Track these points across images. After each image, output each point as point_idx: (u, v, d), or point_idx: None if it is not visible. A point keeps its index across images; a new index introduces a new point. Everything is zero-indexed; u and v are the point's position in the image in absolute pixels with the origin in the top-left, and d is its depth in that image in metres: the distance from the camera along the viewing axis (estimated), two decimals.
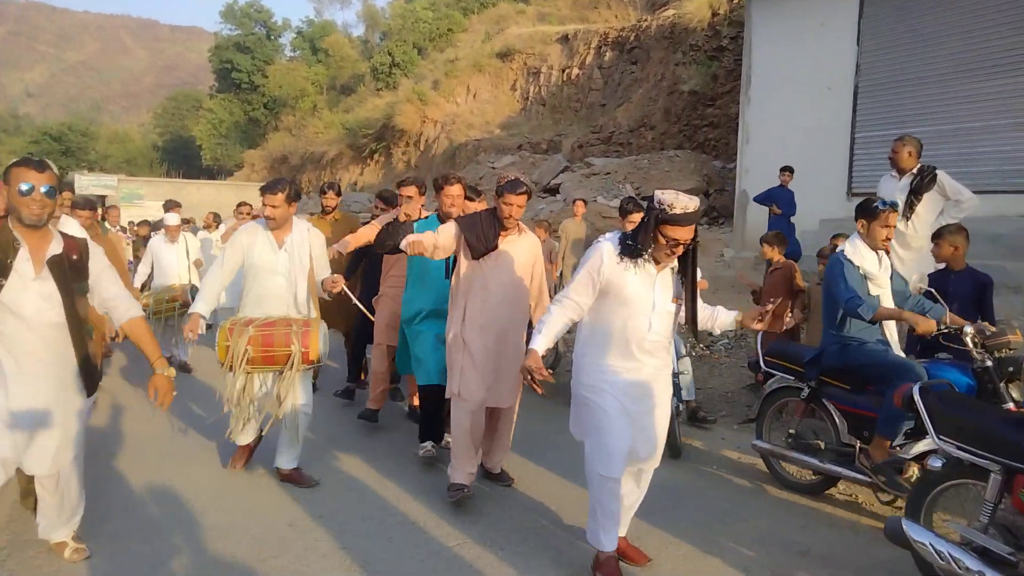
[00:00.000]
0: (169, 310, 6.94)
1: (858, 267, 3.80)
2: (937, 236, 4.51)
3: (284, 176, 33.03)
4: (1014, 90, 7.24)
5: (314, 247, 4.10)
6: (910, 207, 4.85)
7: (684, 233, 2.72)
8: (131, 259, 9.42)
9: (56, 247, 2.79)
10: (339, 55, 38.01)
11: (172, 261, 7.26)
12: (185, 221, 8.23)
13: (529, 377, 2.84)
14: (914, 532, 2.74)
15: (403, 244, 3.65)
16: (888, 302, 3.83)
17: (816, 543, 3.42)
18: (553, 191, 15.55)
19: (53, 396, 2.82)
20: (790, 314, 5.56)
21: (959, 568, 2.60)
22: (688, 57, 17.46)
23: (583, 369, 3.02)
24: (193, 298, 6.41)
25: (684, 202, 2.69)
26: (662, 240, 2.74)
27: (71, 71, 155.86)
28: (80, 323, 2.84)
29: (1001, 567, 2.56)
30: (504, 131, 23.04)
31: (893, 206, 3.86)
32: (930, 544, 2.68)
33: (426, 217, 4.43)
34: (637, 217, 4.33)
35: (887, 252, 3.97)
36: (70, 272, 2.81)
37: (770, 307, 3.06)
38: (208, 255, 7.97)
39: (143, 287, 7.28)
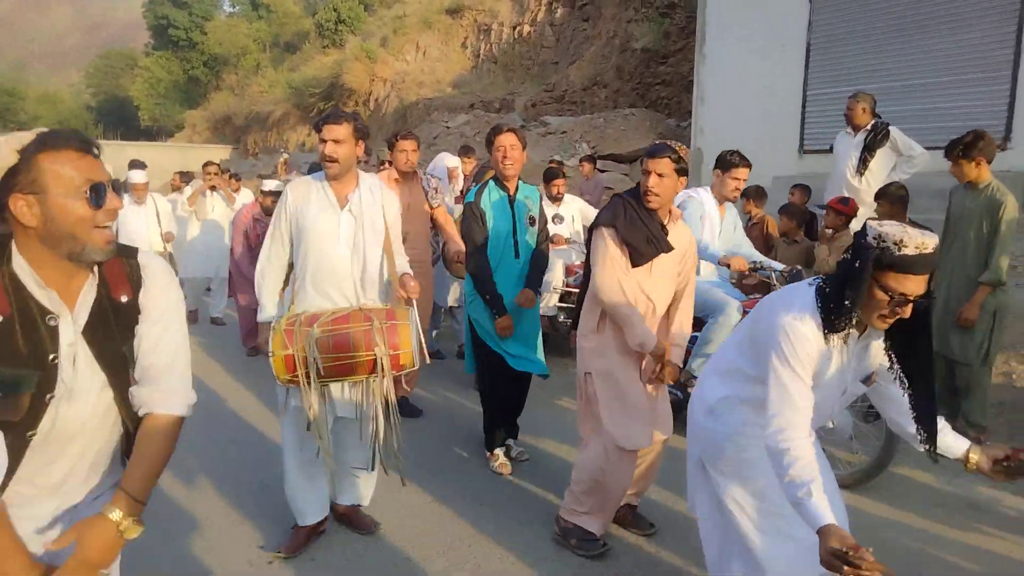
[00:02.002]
0: None
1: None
2: (879, 196, 4.72)
3: (229, 137, 31.86)
4: (966, 45, 7.47)
5: (388, 212, 3.06)
6: (863, 163, 5.06)
7: (916, 285, 1.82)
8: None
9: (91, 290, 1.52)
10: (281, 11, 36.67)
11: (140, 227, 6.50)
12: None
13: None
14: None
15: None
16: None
17: None
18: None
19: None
20: None
21: None
22: (640, 14, 17.42)
23: (752, 475, 2.12)
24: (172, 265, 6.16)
25: (919, 239, 1.79)
26: (880, 295, 1.84)
27: None
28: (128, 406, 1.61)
29: None
30: (456, 89, 22.73)
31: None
32: None
33: (482, 185, 3.90)
34: (744, 173, 4.14)
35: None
36: (113, 328, 1.54)
37: None
38: (176, 216, 7.66)
39: None
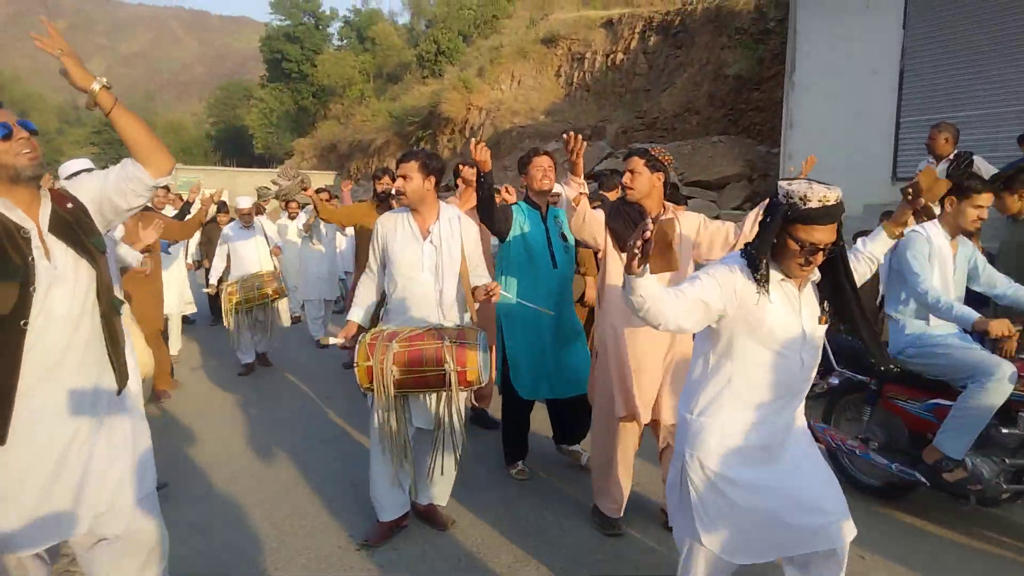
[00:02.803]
0: (260, 299, 6.54)
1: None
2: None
3: (335, 163, 33.51)
4: None
5: (466, 239, 3.38)
6: None
7: (823, 235, 2.03)
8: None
9: (46, 205, 2.05)
10: (385, 44, 38.49)
11: (250, 249, 6.80)
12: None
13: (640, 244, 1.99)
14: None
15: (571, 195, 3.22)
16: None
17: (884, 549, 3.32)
18: (596, 178, 15.74)
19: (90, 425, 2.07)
20: None
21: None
22: (734, 41, 17.42)
23: (709, 437, 2.25)
24: (285, 284, 6.69)
25: (821, 192, 2.01)
26: (793, 246, 2.07)
27: (125, 62, 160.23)
28: (110, 298, 2.13)
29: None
30: (548, 117, 23.21)
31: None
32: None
33: (515, 203, 4.20)
34: (988, 199, 3.50)
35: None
36: (76, 228, 2.06)
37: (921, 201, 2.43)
38: (286, 241, 8.16)
39: (219, 280, 6.89)
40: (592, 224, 3.30)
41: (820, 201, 2.00)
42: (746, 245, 2.19)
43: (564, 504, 3.83)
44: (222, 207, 9.13)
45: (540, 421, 4.48)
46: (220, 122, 52.14)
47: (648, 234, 1.82)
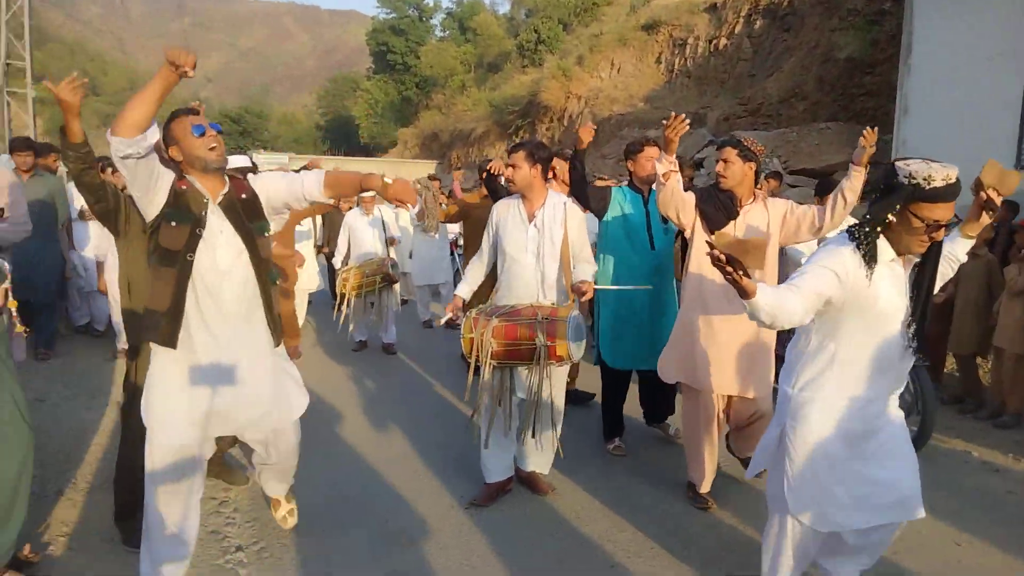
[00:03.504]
0: (371, 284, 6.87)
1: None
2: None
3: (436, 152, 34.41)
4: None
5: (570, 225, 3.62)
6: None
7: (946, 211, 2.14)
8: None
9: (223, 189, 2.64)
10: (487, 34, 39.07)
11: (368, 235, 7.31)
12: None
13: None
14: None
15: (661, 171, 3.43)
16: None
17: None
18: (698, 165, 15.57)
19: (249, 357, 2.68)
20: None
21: None
22: (846, 23, 16.70)
23: (811, 412, 2.38)
24: (394, 270, 6.97)
25: (943, 172, 2.11)
26: (917, 224, 2.15)
27: (242, 57, 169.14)
28: (265, 269, 2.69)
29: None
30: (648, 104, 23.02)
31: None
32: None
33: (619, 185, 4.47)
34: None
35: None
36: (245, 213, 2.65)
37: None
38: (401, 227, 8.46)
39: (343, 261, 7.33)
40: (679, 201, 3.47)
41: (944, 180, 2.10)
42: (857, 226, 2.26)
43: (658, 477, 4.04)
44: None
45: (630, 400, 4.67)
46: (329, 113, 54.46)
47: (719, 259, 2.00)
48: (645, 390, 4.61)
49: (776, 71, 19.05)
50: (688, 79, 23.33)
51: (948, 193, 2.11)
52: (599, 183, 4.83)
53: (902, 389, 2.45)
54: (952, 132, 8.38)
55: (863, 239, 2.22)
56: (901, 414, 2.46)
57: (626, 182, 4.41)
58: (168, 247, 2.51)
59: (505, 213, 3.69)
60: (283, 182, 2.74)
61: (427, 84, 39.96)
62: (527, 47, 33.06)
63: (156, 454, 2.60)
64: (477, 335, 3.34)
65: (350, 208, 7.55)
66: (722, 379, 3.48)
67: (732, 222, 3.50)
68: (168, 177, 2.55)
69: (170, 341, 2.55)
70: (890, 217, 2.19)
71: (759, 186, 5.24)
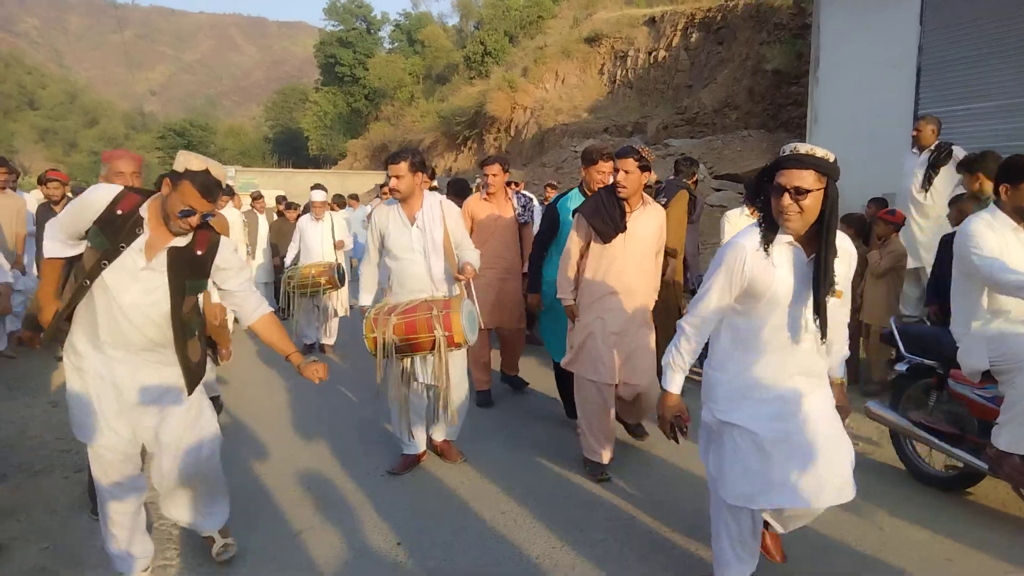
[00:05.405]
0: (315, 285, 7.10)
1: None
2: (952, 203, 5.08)
3: (384, 164, 34.90)
4: None
5: (449, 221, 3.95)
6: (928, 180, 5.41)
7: (796, 178, 2.27)
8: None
9: (182, 240, 2.61)
10: (435, 46, 39.46)
11: (316, 240, 7.49)
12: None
13: (671, 428, 2.65)
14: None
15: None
16: None
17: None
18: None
19: (154, 386, 2.71)
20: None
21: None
22: (773, 36, 17.62)
23: (717, 387, 2.58)
24: (339, 276, 7.16)
25: (803, 146, 2.31)
26: (776, 191, 2.32)
27: (188, 69, 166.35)
28: (182, 323, 2.67)
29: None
30: (591, 115, 23.67)
31: None
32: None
33: (567, 192, 4.67)
34: None
35: None
36: (187, 268, 2.63)
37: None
38: (352, 233, 8.62)
39: (293, 263, 7.56)
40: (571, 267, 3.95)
41: (791, 150, 2.30)
42: (759, 210, 2.45)
43: (560, 452, 4.43)
44: (290, 205, 10.03)
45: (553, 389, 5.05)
46: (277, 125, 54.12)
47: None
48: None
49: (711, 82, 19.87)
50: (629, 90, 24.07)
51: (791, 159, 2.28)
52: (549, 193, 5.05)
53: (824, 378, 2.52)
54: (855, 139, 9.06)
55: (760, 221, 2.43)
56: (826, 403, 2.50)
57: (577, 186, 4.64)
58: (84, 265, 2.59)
59: (385, 219, 3.96)
60: (236, 285, 2.81)
61: (376, 96, 40.13)
62: (474, 59, 33.55)
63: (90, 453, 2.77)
64: (380, 333, 3.62)
65: (298, 216, 7.75)
66: (616, 371, 3.83)
67: (621, 234, 3.77)
68: (103, 199, 2.57)
69: (56, 338, 2.73)
70: (769, 191, 2.35)
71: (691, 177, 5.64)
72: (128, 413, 2.69)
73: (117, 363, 2.65)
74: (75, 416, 2.73)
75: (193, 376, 2.79)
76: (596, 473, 3.97)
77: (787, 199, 2.29)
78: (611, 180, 4.06)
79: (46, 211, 6.56)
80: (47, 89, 73.09)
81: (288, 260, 7.81)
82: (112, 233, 2.54)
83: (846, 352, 2.65)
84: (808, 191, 2.27)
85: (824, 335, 2.38)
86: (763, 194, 2.40)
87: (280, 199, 11.62)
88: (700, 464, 2.87)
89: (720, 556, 2.67)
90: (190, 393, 2.79)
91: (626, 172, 3.67)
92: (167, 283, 2.59)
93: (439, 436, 4.23)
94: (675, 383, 2.60)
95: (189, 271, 2.64)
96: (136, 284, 2.56)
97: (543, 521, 3.49)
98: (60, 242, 2.67)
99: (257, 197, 9.99)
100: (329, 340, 7.64)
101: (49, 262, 2.73)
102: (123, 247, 2.53)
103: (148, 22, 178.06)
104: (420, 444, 4.13)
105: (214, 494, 3.00)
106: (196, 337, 2.81)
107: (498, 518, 3.54)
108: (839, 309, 2.49)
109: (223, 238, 2.77)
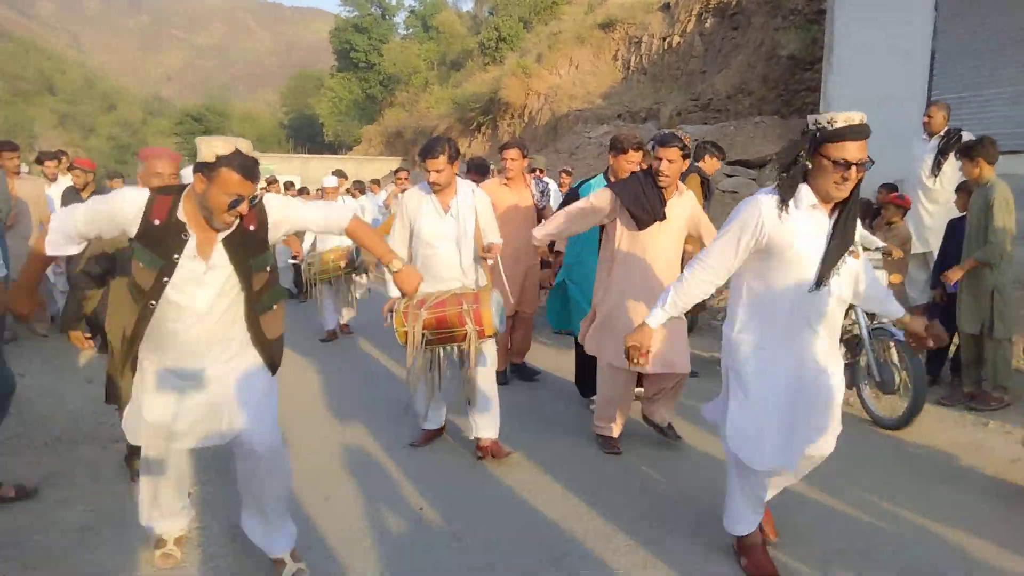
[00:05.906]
0: (336, 270, 7.23)
1: None
2: (959, 189, 5.18)
3: (400, 149, 34.61)
4: None
5: (480, 209, 3.92)
6: (938, 165, 5.51)
7: (854, 151, 2.26)
8: None
9: (228, 230, 2.44)
10: (449, 32, 39.39)
11: None
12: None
13: (629, 356, 2.71)
14: None
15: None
16: None
17: None
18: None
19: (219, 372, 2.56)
20: None
21: None
22: (788, 22, 17.55)
23: (742, 347, 2.61)
24: (357, 258, 7.26)
25: (845, 114, 2.29)
26: (827, 165, 2.30)
27: (202, 55, 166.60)
28: (257, 301, 2.57)
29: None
30: (605, 101, 23.67)
31: None
32: None
33: (591, 179, 4.74)
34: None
35: None
36: (245, 252, 2.47)
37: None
38: (369, 219, 8.94)
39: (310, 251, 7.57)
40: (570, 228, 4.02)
41: (845, 121, 2.28)
42: (780, 172, 2.65)
43: (573, 428, 4.62)
44: (303, 191, 10.25)
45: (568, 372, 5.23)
46: (292, 111, 54.23)
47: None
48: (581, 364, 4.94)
49: (725, 68, 19.82)
50: (643, 76, 24.02)
51: (850, 132, 2.26)
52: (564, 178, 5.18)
53: (837, 337, 2.60)
54: (869, 122, 9.10)
55: (780, 182, 2.44)
56: (836, 364, 2.60)
57: (602, 172, 4.69)
58: (139, 284, 2.43)
59: (417, 205, 3.89)
60: (310, 215, 2.68)
61: (390, 82, 40.15)
62: (488, 45, 33.48)
63: (141, 433, 2.66)
64: (410, 327, 3.69)
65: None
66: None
67: (658, 223, 3.75)
68: (133, 208, 2.39)
69: (127, 355, 2.57)
70: (805, 160, 2.36)
71: (703, 160, 5.78)
72: (209, 416, 2.58)
73: (191, 370, 2.53)
74: (135, 399, 2.65)
75: (272, 356, 2.68)
76: (607, 446, 4.15)
77: (854, 172, 2.28)
78: (638, 168, 4.12)
79: (73, 196, 6.76)
80: (66, 74, 73.65)
81: (305, 247, 7.83)
82: (160, 247, 2.38)
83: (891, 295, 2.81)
84: (860, 162, 2.29)
85: (819, 283, 2.43)
86: (796, 162, 2.40)
87: (289, 184, 11.82)
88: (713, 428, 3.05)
89: (734, 510, 2.80)
90: (273, 373, 2.71)
91: (670, 161, 3.64)
92: (235, 275, 2.47)
93: (480, 432, 4.04)
94: (656, 319, 2.69)
95: (248, 252, 2.48)
96: (202, 290, 2.43)
97: (560, 486, 3.72)
98: (69, 238, 2.49)
99: (272, 181, 10.18)
100: (344, 319, 7.78)
101: (43, 258, 2.60)
102: (176, 258, 2.39)
103: (161, 7, 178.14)
104: (439, 420, 4.34)
105: (284, 499, 2.82)
106: (272, 310, 2.65)
107: (516, 486, 3.74)
108: (861, 269, 2.61)
109: (264, 196, 2.57)
